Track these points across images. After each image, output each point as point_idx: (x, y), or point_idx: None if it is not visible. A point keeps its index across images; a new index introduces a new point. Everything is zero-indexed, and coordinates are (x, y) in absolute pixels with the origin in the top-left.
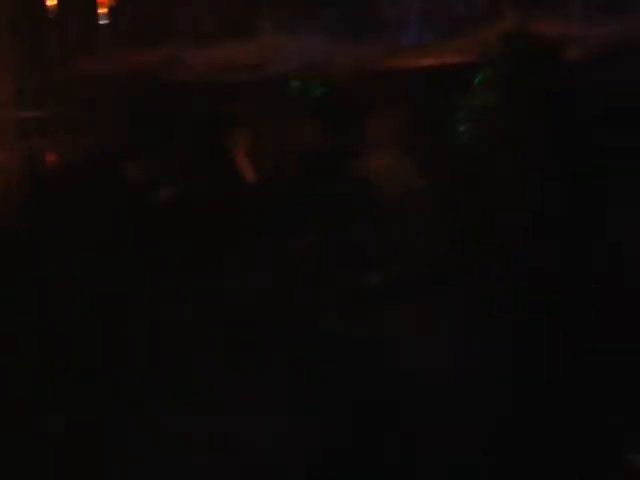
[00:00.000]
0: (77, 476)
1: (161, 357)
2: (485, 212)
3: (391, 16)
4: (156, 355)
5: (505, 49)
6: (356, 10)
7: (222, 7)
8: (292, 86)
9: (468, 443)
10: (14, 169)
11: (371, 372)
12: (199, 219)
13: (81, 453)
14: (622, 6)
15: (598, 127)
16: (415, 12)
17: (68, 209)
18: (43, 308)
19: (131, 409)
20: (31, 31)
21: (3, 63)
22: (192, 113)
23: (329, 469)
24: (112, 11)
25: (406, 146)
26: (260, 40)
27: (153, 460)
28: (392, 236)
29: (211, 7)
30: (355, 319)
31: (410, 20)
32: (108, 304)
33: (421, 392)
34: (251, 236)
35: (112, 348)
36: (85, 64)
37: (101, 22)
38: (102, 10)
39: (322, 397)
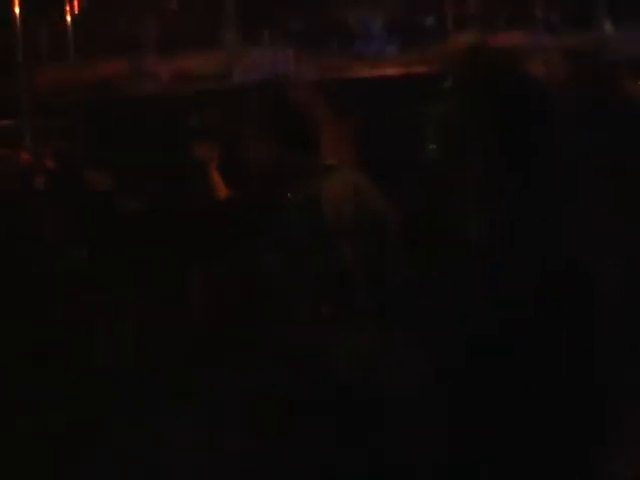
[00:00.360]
0: None
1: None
2: (447, 226)
3: (356, 28)
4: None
5: (469, 60)
6: (321, 22)
7: (188, 18)
8: (254, 96)
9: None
10: None
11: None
12: (164, 230)
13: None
14: (585, 18)
15: (562, 137)
16: (379, 24)
17: (32, 215)
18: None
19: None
20: None
21: None
22: (157, 122)
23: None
24: (78, 22)
25: (367, 158)
26: (225, 51)
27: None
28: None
29: (177, 18)
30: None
31: (374, 32)
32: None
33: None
34: (216, 250)
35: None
36: (51, 74)
37: (67, 33)
38: (68, 21)
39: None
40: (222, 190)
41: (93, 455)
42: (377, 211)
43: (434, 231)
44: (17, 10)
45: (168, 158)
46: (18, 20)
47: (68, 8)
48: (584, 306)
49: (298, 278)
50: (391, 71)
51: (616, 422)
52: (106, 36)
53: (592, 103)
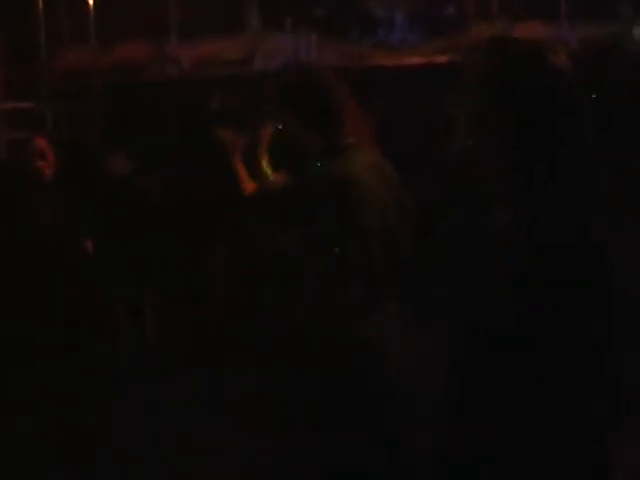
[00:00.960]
0: None
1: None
2: (466, 214)
3: (378, 15)
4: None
5: (491, 50)
6: (343, 10)
7: (210, 3)
8: (276, 80)
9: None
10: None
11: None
12: (182, 213)
13: None
14: (608, 9)
15: (581, 129)
16: (402, 12)
17: (53, 198)
18: None
19: None
20: (19, 25)
21: None
22: (178, 107)
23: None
24: (100, 5)
25: (387, 146)
26: (247, 36)
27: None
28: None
29: (199, 3)
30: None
31: (397, 20)
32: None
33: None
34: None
35: None
36: (72, 58)
37: (89, 16)
38: (91, 4)
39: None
40: (243, 174)
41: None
42: (397, 190)
43: (450, 221)
44: None
45: (188, 143)
46: (40, 3)
47: None
48: (607, 295)
49: (325, 255)
50: (413, 60)
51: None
52: (128, 20)
53: (612, 93)
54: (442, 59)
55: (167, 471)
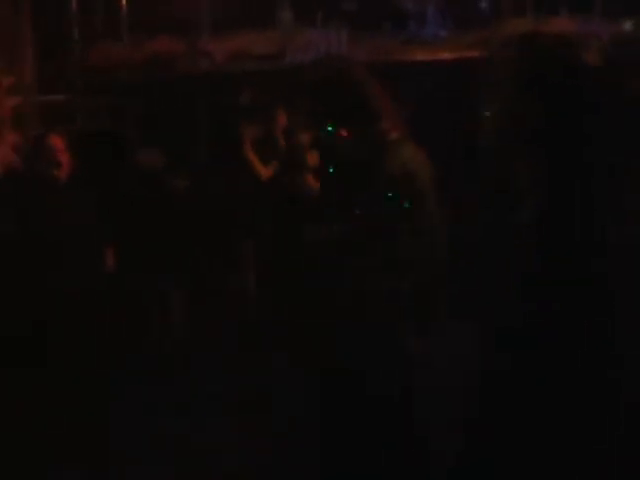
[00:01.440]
0: None
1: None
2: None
3: (409, 10)
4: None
5: (523, 46)
6: (375, 4)
7: None
8: (309, 75)
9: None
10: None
11: None
12: (212, 209)
13: None
14: (637, 4)
15: (614, 127)
16: (433, 6)
17: (83, 194)
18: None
19: None
20: (52, 20)
21: (24, 50)
22: (210, 101)
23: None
24: (132, 0)
25: (419, 141)
26: (278, 31)
27: None
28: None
29: None
30: None
31: (428, 14)
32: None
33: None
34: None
35: None
36: (105, 52)
37: (122, 10)
38: None
39: None
40: (256, 162)
41: None
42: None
43: (479, 218)
44: None
45: (219, 137)
46: None
47: None
48: (633, 290)
49: (383, 250)
50: (445, 54)
51: None
52: (160, 15)
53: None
54: (473, 54)
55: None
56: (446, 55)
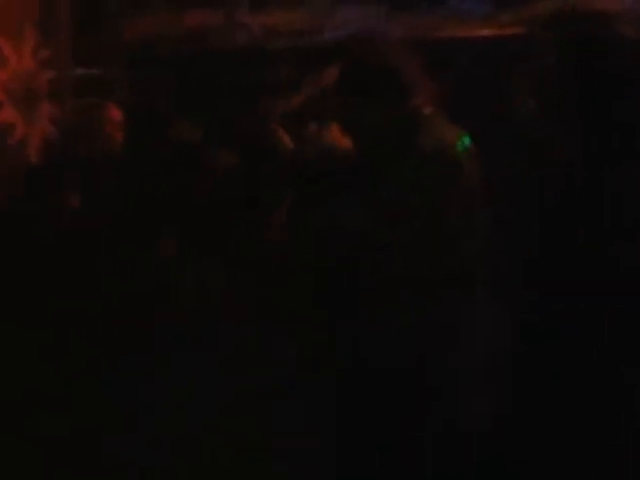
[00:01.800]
0: None
1: None
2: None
3: None
4: None
5: (560, 23)
6: None
7: None
8: (345, 52)
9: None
10: (70, 126)
11: None
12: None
13: None
14: None
15: None
16: None
17: (122, 166)
18: None
19: None
20: None
21: (60, 22)
22: (243, 77)
23: None
24: None
25: (457, 117)
26: (316, 7)
27: None
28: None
29: None
30: None
31: None
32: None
33: None
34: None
35: None
36: (141, 25)
37: None
38: None
39: None
40: (283, 136)
41: None
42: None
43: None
44: None
45: (253, 111)
46: None
47: None
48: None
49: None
50: (483, 31)
51: None
52: None
53: None
54: (513, 31)
55: None
56: (485, 32)
